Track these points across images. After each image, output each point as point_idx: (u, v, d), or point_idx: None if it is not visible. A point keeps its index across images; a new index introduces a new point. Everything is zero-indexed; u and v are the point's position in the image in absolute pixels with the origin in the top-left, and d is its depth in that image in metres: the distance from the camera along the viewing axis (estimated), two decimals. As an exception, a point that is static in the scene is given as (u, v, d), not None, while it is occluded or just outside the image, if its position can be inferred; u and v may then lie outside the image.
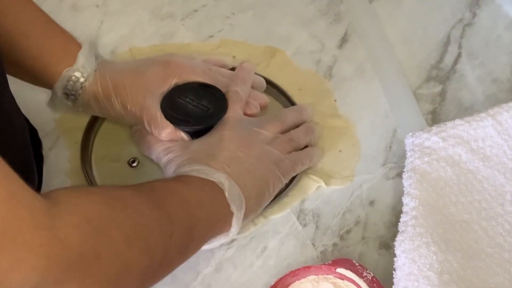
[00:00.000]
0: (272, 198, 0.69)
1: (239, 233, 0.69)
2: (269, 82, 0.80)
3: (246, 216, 0.66)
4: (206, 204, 0.62)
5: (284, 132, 0.72)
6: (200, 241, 0.63)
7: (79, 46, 0.71)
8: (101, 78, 0.70)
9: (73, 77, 0.69)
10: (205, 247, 0.65)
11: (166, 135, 0.70)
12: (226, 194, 0.63)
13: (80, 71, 0.69)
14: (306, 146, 0.74)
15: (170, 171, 0.67)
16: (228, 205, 0.63)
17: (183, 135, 0.70)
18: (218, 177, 0.64)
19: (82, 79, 0.70)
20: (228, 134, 0.69)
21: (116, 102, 0.70)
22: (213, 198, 0.63)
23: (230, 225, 0.64)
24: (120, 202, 0.54)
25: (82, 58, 0.69)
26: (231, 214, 0.63)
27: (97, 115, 0.75)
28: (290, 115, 0.74)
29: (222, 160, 0.66)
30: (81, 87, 0.70)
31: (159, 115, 0.70)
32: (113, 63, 0.73)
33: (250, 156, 0.67)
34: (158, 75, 0.71)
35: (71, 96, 0.70)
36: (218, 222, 0.64)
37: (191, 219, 0.60)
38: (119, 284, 0.51)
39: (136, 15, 0.91)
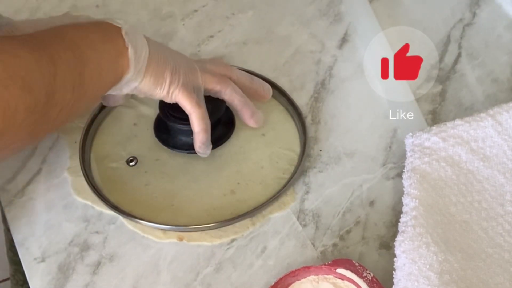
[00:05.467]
0: (179, 89, 0.69)
1: (238, 233, 0.69)
2: (269, 83, 0.80)
3: (151, 66, 0.67)
4: (98, 44, 0.64)
5: None
6: (96, 79, 0.64)
7: None
8: None
9: None
10: (113, 92, 0.67)
11: None
12: (123, 32, 0.65)
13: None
14: None
15: None
16: (126, 46, 0.65)
17: None
18: (116, 20, 0.66)
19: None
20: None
21: None
22: (107, 37, 0.65)
23: (128, 64, 0.66)
24: None
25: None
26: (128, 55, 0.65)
27: None
28: (241, 74, 0.76)
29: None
30: None
31: None
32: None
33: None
34: None
35: None
36: (113, 61, 0.65)
37: (79, 59, 0.62)
38: (6, 121, 0.55)
39: (136, 15, 0.91)
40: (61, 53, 0.60)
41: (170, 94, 0.69)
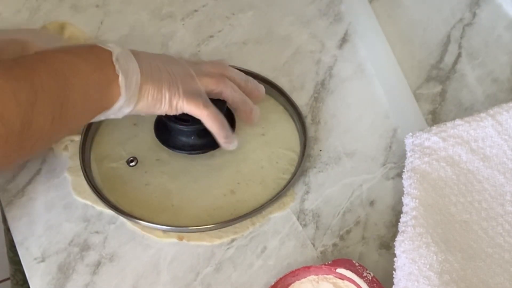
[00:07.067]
0: (181, 100, 0.68)
1: (237, 233, 0.69)
2: (269, 83, 0.80)
3: (141, 94, 0.66)
4: (86, 73, 0.63)
5: None
6: (80, 109, 0.63)
7: None
8: None
9: None
10: (107, 118, 0.67)
11: None
12: (114, 57, 0.64)
13: None
14: None
15: None
16: (117, 74, 0.64)
17: None
18: (107, 44, 0.65)
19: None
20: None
21: None
22: (96, 65, 0.64)
23: (119, 92, 0.64)
24: None
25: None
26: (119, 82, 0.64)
27: None
28: (236, 73, 0.75)
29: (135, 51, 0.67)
30: None
31: None
32: None
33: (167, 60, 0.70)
34: None
35: None
36: (102, 90, 0.64)
37: (63, 89, 0.60)
38: None
39: (136, 15, 0.91)
40: (44, 81, 0.59)
41: (174, 107, 0.68)
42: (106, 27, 0.89)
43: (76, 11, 0.91)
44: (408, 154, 0.71)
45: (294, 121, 0.78)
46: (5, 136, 0.56)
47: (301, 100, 0.80)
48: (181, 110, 0.69)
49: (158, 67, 0.68)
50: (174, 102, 0.68)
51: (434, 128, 0.71)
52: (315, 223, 0.70)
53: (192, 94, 0.69)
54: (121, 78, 0.64)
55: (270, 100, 0.80)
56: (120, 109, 0.66)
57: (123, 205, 0.71)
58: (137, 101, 0.67)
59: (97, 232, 0.69)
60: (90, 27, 0.88)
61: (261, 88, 0.77)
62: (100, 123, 0.78)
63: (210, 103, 0.70)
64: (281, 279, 0.64)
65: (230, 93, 0.72)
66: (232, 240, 0.69)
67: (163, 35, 0.88)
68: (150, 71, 0.67)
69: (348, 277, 0.63)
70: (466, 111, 0.80)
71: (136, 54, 0.67)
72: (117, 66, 0.64)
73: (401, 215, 0.65)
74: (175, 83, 0.68)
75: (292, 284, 0.64)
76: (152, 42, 0.87)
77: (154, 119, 0.77)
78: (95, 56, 0.65)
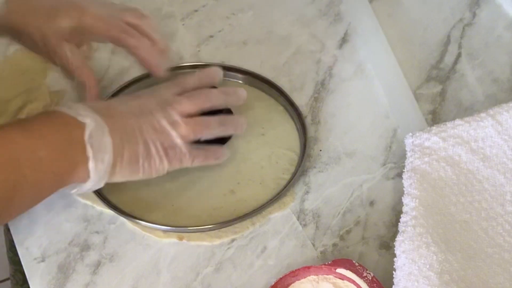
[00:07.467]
0: (162, 163, 0.65)
1: (237, 233, 0.69)
2: (269, 83, 0.80)
3: (115, 170, 0.61)
4: (45, 160, 0.57)
5: None
6: (30, 200, 0.59)
7: None
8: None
9: None
10: (66, 190, 0.62)
11: None
12: (86, 135, 0.58)
13: None
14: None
15: None
16: (87, 156, 0.58)
17: None
18: (79, 111, 0.59)
19: None
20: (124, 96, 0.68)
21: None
22: (61, 149, 0.57)
23: (88, 175, 0.60)
24: None
25: None
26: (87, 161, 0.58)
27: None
28: (190, 79, 0.70)
29: (103, 106, 0.62)
30: None
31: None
32: None
33: (137, 112, 0.64)
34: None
35: None
36: (62, 178, 0.58)
37: (13, 185, 0.55)
38: None
39: (136, 15, 0.90)
40: None
41: (157, 172, 0.66)
42: (106, 27, 0.89)
43: (76, 11, 0.91)
44: (408, 154, 0.71)
45: (294, 121, 0.78)
46: None
47: (301, 100, 0.80)
48: (167, 171, 0.66)
49: (133, 131, 0.62)
50: (155, 170, 0.65)
51: (434, 128, 0.71)
52: (315, 223, 0.70)
53: (171, 150, 0.65)
54: (91, 163, 0.59)
55: (270, 100, 0.80)
56: (89, 189, 0.63)
57: (123, 205, 0.71)
58: (109, 178, 0.62)
59: (97, 232, 0.69)
60: (90, 27, 0.88)
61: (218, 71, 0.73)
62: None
63: (187, 146, 0.67)
64: (281, 279, 0.64)
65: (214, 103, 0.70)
66: (232, 240, 0.69)
67: (163, 35, 0.88)
68: (122, 143, 0.61)
69: (348, 277, 0.63)
70: (466, 111, 0.80)
71: (109, 117, 0.61)
72: (88, 147, 0.58)
73: (401, 215, 0.65)
74: (151, 142, 0.64)
75: (292, 284, 0.64)
76: (152, 42, 0.87)
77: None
78: (62, 135, 0.58)
